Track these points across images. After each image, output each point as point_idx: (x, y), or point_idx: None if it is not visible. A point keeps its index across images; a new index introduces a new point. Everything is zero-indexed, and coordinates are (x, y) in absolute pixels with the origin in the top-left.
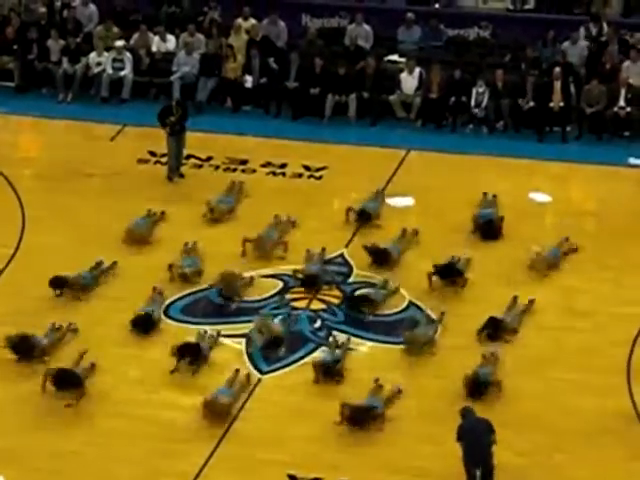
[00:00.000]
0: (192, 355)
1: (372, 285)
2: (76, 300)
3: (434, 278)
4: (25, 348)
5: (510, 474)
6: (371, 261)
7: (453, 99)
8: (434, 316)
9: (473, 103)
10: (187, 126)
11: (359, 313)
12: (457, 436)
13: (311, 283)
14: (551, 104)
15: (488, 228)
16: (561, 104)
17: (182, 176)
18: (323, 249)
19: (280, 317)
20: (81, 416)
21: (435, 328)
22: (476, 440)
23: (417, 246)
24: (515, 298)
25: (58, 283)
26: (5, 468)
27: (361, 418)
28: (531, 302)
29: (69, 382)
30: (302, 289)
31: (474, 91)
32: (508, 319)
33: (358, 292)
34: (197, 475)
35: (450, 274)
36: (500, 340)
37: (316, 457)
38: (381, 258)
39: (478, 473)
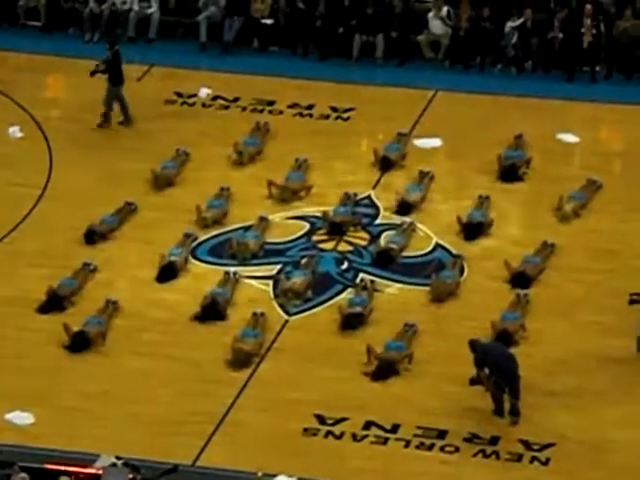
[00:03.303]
0: (214, 315)
1: (397, 226)
2: (103, 242)
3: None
4: (56, 303)
5: (539, 414)
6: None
7: (482, 38)
8: (460, 258)
9: (502, 43)
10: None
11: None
12: (478, 366)
13: (337, 231)
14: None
15: (510, 171)
16: (590, 40)
17: (101, 125)
18: (354, 194)
19: (303, 261)
20: (109, 357)
21: (462, 271)
22: (501, 356)
23: (444, 187)
24: (544, 243)
25: (92, 237)
26: (36, 407)
27: (384, 374)
28: (555, 245)
29: (82, 345)
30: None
31: (503, 30)
32: (533, 269)
33: (381, 243)
34: (225, 415)
35: (474, 234)
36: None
37: (343, 397)
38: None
39: (507, 391)
